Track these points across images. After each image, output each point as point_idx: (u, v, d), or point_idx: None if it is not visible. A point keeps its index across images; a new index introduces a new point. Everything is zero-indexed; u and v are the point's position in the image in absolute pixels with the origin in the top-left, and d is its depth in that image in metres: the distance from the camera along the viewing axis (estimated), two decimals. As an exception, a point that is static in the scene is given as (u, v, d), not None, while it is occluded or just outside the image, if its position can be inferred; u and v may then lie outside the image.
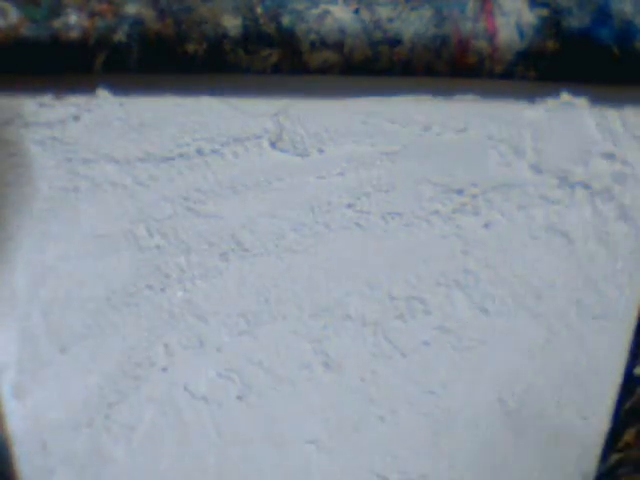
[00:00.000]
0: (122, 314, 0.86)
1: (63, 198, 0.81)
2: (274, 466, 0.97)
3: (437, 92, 0.80)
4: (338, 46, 0.83)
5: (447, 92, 0.80)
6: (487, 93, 0.81)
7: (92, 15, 0.81)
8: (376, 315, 0.89)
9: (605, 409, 0.96)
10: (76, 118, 0.79)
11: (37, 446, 0.93)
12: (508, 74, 0.86)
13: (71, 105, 0.78)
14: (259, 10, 0.82)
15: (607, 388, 0.95)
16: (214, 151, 0.80)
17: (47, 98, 0.78)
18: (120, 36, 0.82)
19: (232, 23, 0.82)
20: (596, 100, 0.81)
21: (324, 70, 0.84)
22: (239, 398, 0.92)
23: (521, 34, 0.84)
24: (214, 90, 0.79)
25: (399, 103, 0.80)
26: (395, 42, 0.84)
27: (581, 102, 0.81)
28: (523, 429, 0.97)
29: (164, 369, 0.90)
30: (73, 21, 0.81)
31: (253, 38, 0.83)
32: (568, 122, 0.81)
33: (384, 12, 0.82)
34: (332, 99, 0.79)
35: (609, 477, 1.10)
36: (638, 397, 1.03)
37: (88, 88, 0.78)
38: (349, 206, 0.83)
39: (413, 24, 0.83)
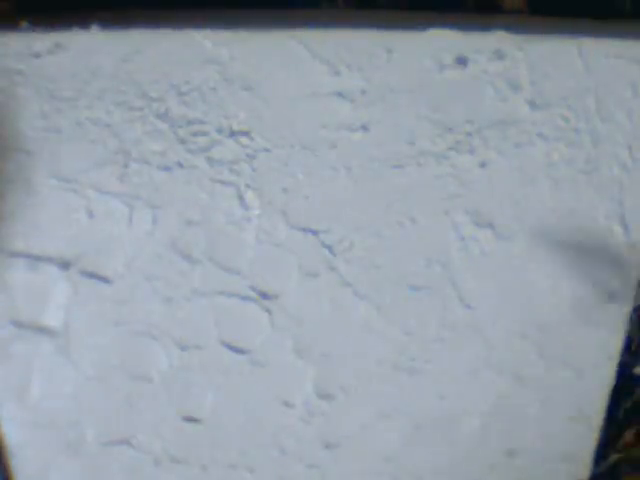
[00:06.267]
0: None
1: (44, 139, 0.79)
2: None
3: (430, 25, 0.77)
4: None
5: (440, 25, 0.77)
6: (482, 27, 0.78)
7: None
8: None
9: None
10: (57, 52, 0.76)
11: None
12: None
13: (53, 39, 0.75)
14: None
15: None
16: (204, 87, 0.78)
17: (28, 32, 0.76)
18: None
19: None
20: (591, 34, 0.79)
21: None
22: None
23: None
24: (202, 23, 0.76)
25: (391, 37, 0.77)
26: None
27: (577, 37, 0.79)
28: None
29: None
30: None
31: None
32: (564, 57, 0.79)
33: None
34: (318, 30, 0.76)
35: (609, 476, 1.08)
36: (638, 397, 1.02)
37: (75, 22, 0.76)
38: (338, 143, 0.80)
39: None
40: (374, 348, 0.91)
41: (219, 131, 0.80)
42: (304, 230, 0.84)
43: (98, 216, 0.83)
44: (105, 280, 0.86)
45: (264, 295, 0.88)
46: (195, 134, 0.80)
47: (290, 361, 0.91)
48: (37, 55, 0.75)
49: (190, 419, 0.93)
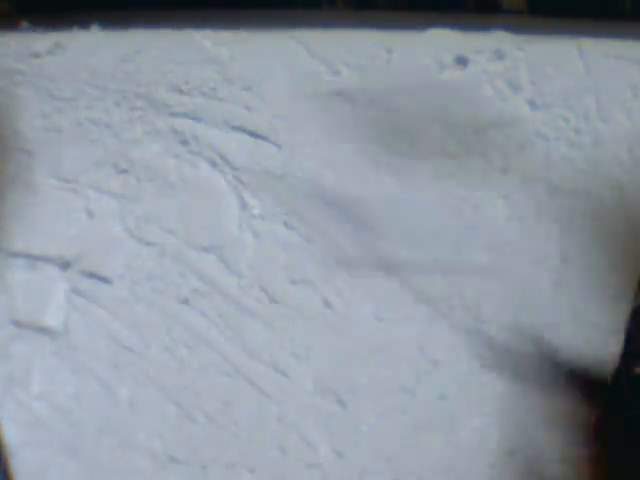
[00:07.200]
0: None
1: (44, 139, 0.79)
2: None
3: (430, 25, 0.77)
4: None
5: (440, 25, 0.78)
6: (482, 27, 0.78)
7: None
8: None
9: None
10: (57, 52, 0.76)
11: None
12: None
13: (53, 39, 0.76)
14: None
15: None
16: (204, 87, 0.78)
17: (28, 32, 0.76)
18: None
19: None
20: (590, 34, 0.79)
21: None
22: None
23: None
24: (202, 23, 0.77)
25: (391, 37, 0.77)
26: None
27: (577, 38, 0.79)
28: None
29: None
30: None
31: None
32: (565, 57, 0.79)
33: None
34: (318, 30, 0.76)
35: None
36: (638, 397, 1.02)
37: (75, 22, 0.76)
38: (338, 143, 0.81)
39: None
40: (374, 348, 0.91)
41: (219, 130, 0.80)
42: (304, 230, 0.84)
43: (98, 216, 0.83)
44: (105, 280, 0.86)
45: (264, 295, 0.88)
46: (195, 134, 0.80)
47: (290, 361, 0.91)
48: (37, 55, 0.75)
49: (190, 419, 0.93)
